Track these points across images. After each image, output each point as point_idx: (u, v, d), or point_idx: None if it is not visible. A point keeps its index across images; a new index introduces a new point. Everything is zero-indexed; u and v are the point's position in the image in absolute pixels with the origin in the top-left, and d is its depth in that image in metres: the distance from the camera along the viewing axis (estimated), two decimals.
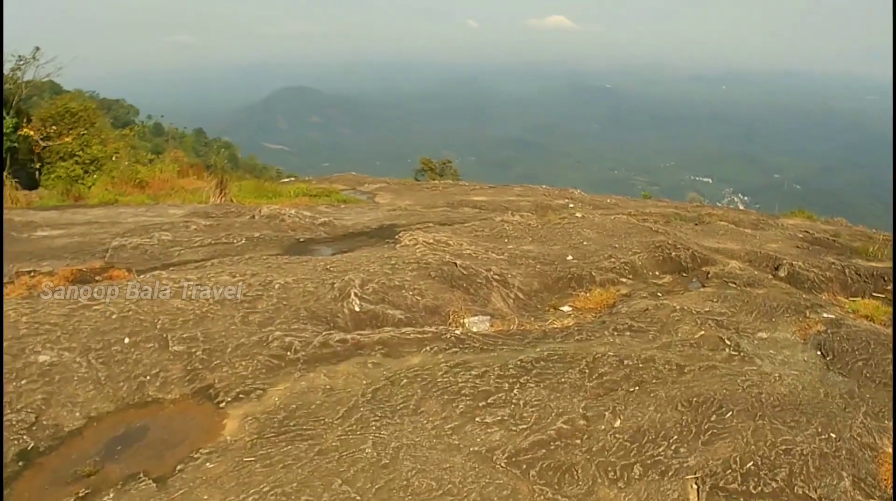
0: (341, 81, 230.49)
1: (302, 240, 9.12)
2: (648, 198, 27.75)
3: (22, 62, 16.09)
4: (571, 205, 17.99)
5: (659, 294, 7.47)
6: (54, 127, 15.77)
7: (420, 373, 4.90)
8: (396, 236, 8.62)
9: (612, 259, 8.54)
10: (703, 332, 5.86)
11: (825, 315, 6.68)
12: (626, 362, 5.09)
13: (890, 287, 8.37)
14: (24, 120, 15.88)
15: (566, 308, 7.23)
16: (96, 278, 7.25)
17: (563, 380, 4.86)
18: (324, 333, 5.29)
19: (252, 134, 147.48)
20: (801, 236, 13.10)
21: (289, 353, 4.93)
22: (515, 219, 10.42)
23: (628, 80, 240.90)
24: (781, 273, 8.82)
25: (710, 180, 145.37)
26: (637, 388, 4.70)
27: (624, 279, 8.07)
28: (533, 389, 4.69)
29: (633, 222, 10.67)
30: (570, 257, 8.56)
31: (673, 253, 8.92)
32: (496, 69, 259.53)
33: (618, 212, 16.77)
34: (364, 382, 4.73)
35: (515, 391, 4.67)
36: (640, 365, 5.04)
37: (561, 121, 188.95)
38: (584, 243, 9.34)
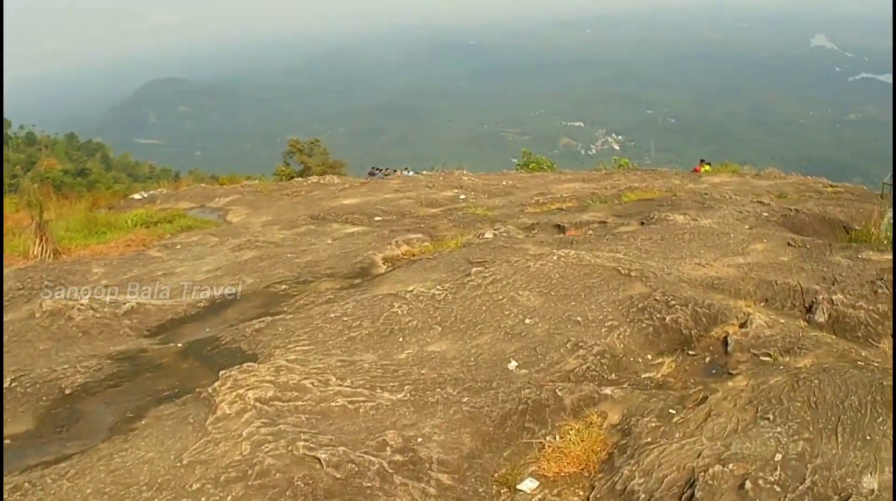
0: (207, 68, 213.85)
1: (69, 402, 5.22)
2: (531, 159, 24.35)
3: None
4: (463, 196, 14.72)
5: (671, 411, 4.25)
6: None
7: None
8: (214, 385, 4.81)
9: (581, 351, 5.18)
10: None
11: None
12: None
13: None
14: None
15: (528, 485, 3.88)
16: None
17: None
18: None
19: (125, 132, 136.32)
20: (765, 213, 10.55)
21: None
22: (409, 289, 6.89)
23: (492, 34, 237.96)
24: (819, 318, 5.77)
25: (582, 124, 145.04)
26: None
27: (607, 390, 4.65)
28: None
29: (586, 260, 6.91)
30: (512, 364, 5.10)
31: (667, 316, 5.63)
32: (360, 37, 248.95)
33: (520, 201, 13.36)
34: None
35: None
36: None
37: (429, 82, 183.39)
38: (527, 320, 5.79)
